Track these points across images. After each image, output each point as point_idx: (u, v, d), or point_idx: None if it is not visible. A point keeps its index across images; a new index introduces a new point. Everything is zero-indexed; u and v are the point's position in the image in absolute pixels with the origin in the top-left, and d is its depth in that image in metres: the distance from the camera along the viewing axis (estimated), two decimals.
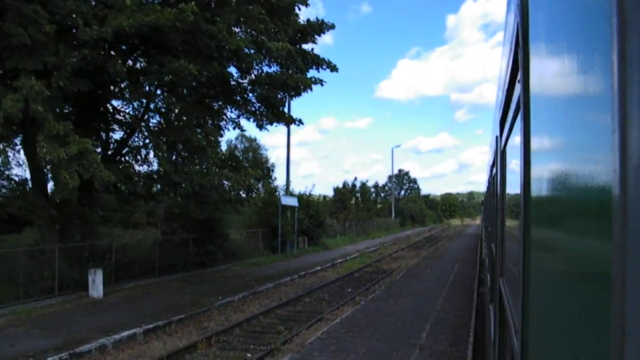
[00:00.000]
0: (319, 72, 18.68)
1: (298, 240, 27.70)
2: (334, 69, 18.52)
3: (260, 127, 19.22)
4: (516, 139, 1.60)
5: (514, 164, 1.88)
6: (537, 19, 1.03)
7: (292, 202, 26.47)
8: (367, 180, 54.41)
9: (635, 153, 0.39)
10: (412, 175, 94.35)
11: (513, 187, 1.91)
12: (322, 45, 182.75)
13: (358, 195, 50.66)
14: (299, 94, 18.56)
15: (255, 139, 54.16)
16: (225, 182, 18.08)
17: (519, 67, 1.32)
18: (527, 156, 1.22)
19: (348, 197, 46.42)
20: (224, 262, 21.21)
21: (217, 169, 18.09)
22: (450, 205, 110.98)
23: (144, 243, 20.03)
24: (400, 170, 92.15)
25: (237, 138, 53.03)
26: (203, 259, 19.99)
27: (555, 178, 0.79)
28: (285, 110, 20.45)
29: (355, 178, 49.86)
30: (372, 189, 55.61)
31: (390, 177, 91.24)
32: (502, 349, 2.58)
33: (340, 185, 48.74)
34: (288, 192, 28.79)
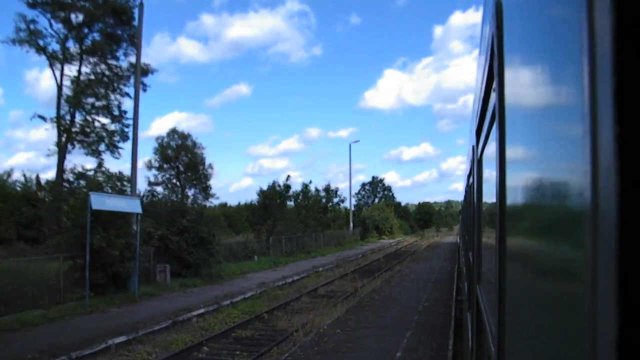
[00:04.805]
0: None
1: (156, 271, 17.50)
2: None
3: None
4: (492, 148, 1.63)
5: (489, 173, 1.91)
6: (512, 29, 1.06)
7: (127, 206, 15.41)
8: (310, 181, 42.34)
9: (605, 160, 0.39)
10: (391, 184, 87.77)
11: (489, 195, 1.94)
12: (311, 56, 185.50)
13: (299, 200, 40.31)
14: None
15: (189, 135, 38.60)
16: None
17: (494, 76, 1.34)
18: (502, 164, 1.24)
19: (277, 203, 34.75)
20: None
21: None
22: (425, 214, 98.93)
23: None
24: (374, 177, 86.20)
25: (168, 134, 38.71)
26: None
27: (530, 186, 0.80)
28: None
29: (288, 177, 36.87)
30: (322, 193, 43.58)
31: (363, 185, 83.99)
32: (479, 356, 2.60)
33: (283, 187, 35.85)
34: (134, 189, 17.76)
